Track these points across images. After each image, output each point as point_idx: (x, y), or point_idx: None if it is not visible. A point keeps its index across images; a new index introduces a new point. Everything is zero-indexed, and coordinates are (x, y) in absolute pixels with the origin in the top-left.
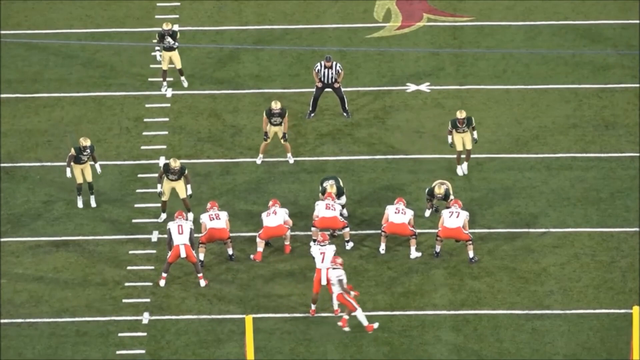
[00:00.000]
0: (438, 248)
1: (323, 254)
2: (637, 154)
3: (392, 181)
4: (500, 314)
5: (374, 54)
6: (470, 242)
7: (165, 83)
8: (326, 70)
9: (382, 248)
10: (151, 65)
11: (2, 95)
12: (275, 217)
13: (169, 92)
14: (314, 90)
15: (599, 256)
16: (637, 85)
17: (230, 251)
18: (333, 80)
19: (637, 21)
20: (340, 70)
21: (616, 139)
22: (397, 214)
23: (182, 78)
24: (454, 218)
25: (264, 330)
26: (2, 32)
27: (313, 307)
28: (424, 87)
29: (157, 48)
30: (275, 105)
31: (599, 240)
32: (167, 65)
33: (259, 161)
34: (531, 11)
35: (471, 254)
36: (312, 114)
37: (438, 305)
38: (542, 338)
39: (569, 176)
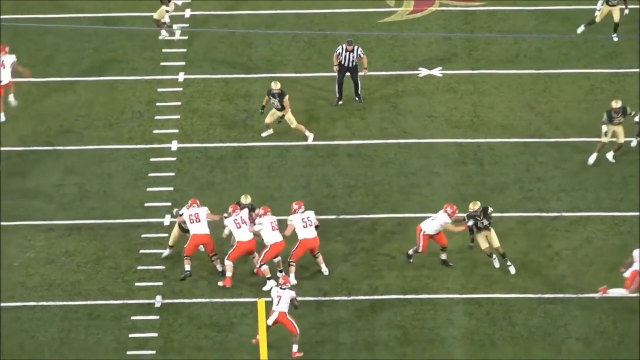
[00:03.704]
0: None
1: (279, 297)
2: None
3: (404, 166)
4: (513, 297)
5: (386, 38)
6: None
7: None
8: (347, 53)
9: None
10: (163, 50)
11: (15, 80)
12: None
13: (181, 76)
14: (325, 74)
15: (611, 240)
16: None
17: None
18: (353, 64)
19: None
20: (362, 55)
21: (628, 124)
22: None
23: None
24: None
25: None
26: (15, 16)
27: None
28: (436, 71)
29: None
30: (275, 86)
31: (611, 224)
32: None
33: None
34: None
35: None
36: (340, 101)
37: (450, 288)
38: (555, 322)
39: (582, 160)
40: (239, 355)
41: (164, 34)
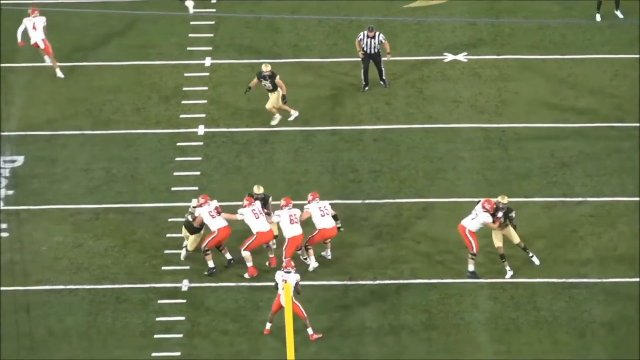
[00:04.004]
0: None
1: (284, 282)
2: None
3: (429, 151)
4: (537, 282)
5: (411, 23)
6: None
7: None
8: (369, 40)
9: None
10: (190, 35)
11: (42, 64)
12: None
13: (208, 61)
14: (351, 59)
15: (636, 225)
16: None
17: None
18: (376, 50)
19: None
20: (383, 40)
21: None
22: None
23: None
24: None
25: (302, 298)
26: (43, 1)
27: (268, 326)
28: (461, 56)
29: None
30: (265, 68)
31: (635, 209)
32: None
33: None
34: None
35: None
36: (367, 87)
37: (475, 273)
38: (579, 306)
39: (606, 146)
40: (265, 339)
41: (190, 6)
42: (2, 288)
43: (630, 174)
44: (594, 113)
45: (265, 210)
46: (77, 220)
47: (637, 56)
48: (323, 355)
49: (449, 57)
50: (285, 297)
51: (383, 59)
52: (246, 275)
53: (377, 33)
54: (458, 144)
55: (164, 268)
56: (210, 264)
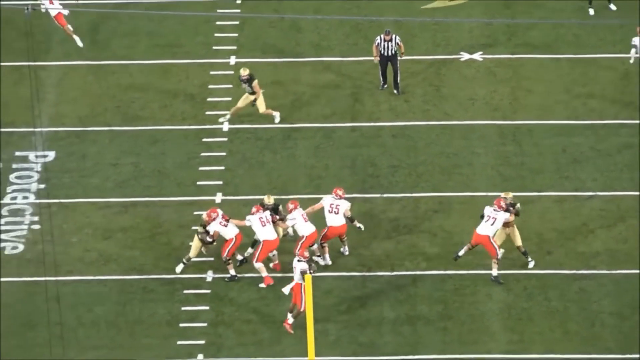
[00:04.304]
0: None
1: (295, 268)
2: None
3: (445, 147)
4: (549, 273)
5: (429, 24)
6: (495, 260)
7: None
8: (386, 43)
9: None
10: (215, 34)
11: (73, 62)
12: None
13: (233, 60)
14: (371, 58)
15: None
16: None
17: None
18: (393, 52)
19: None
20: (399, 43)
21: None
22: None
23: None
24: (489, 224)
25: (322, 289)
26: (73, 1)
27: (289, 316)
28: (477, 56)
29: None
30: (244, 72)
31: None
32: None
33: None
34: None
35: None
36: (385, 85)
37: (489, 265)
38: (589, 297)
39: (616, 142)
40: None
41: None
42: (34, 278)
43: (639, 169)
44: (604, 110)
45: (278, 217)
46: (106, 214)
47: None
48: (342, 343)
49: (465, 56)
50: (307, 290)
51: (400, 57)
52: (262, 285)
53: (393, 35)
54: (473, 140)
55: (191, 243)
56: (232, 272)
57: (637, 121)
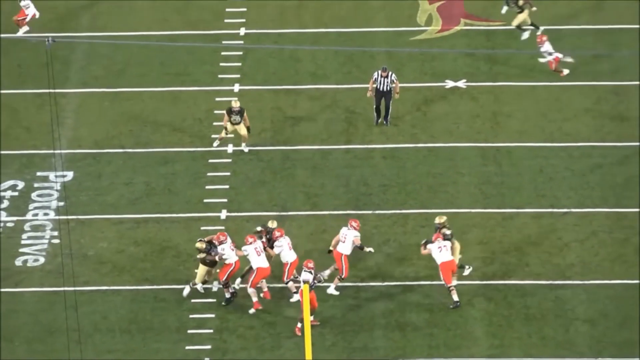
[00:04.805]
0: (456, 296)
1: (303, 282)
2: None
3: (432, 167)
4: (527, 283)
5: (417, 54)
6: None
7: None
8: (382, 79)
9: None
10: (221, 64)
11: (90, 90)
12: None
13: (236, 87)
14: (364, 86)
15: (614, 233)
16: None
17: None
18: (388, 88)
19: None
20: (395, 80)
21: (630, 130)
22: (442, 252)
23: None
24: (445, 252)
25: (319, 298)
26: (91, 33)
27: (300, 325)
28: (461, 83)
29: None
30: (235, 104)
31: (614, 219)
32: None
33: (215, 144)
34: (556, 16)
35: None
36: (379, 120)
37: (472, 276)
38: (564, 305)
39: (589, 163)
40: (287, 333)
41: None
42: (54, 289)
43: (610, 188)
44: (578, 134)
45: (268, 244)
46: (120, 229)
47: (616, 83)
48: (338, 347)
49: (450, 83)
50: (304, 299)
51: (396, 97)
52: (252, 311)
53: (389, 72)
54: (457, 161)
55: (196, 271)
56: (228, 295)
57: (608, 143)
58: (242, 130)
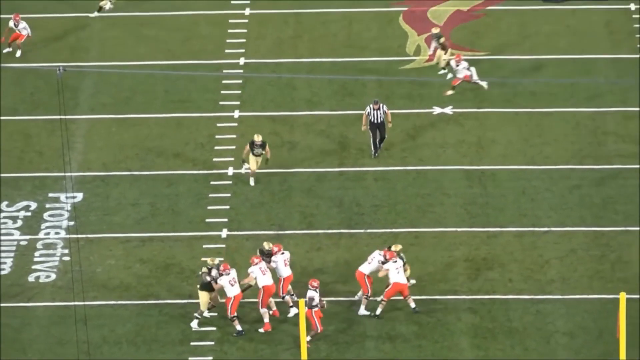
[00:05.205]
0: (379, 310)
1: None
2: (625, 166)
3: (420, 189)
4: (510, 298)
5: (406, 82)
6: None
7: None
8: (375, 111)
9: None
10: (221, 91)
11: (99, 116)
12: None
13: (236, 114)
14: (356, 112)
15: (592, 251)
16: (624, 109)
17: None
18: (381, 119)
19: (626, 55)
20: (387, 110)
21: (607, 154)
22: (399, 273)
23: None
24: (401, 273)
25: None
26: (99, 63)
27: (308, 338)
28: (448, 109)
29: None
30: (257, 138)
31: (592, 237)
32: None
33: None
34: (537, 47)
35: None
36: (376, 154)
37: (459, 291)
38: (545, 319)
39: (568, 184)
40: (285, 346)
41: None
42: (65, 303)
43: (588, 208)
44: (558, 157)
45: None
46: (127, 247)
47: (594, 109)
48: (332, 358)
49: (437, 110)
50: (301, 313)
51: (389, 126)
52: (262, 330)
53: (381, 105)
54: (444, 183)
55: (198, 286)
56: (238, 327)
57: (586, 166)
58: (255, 165)
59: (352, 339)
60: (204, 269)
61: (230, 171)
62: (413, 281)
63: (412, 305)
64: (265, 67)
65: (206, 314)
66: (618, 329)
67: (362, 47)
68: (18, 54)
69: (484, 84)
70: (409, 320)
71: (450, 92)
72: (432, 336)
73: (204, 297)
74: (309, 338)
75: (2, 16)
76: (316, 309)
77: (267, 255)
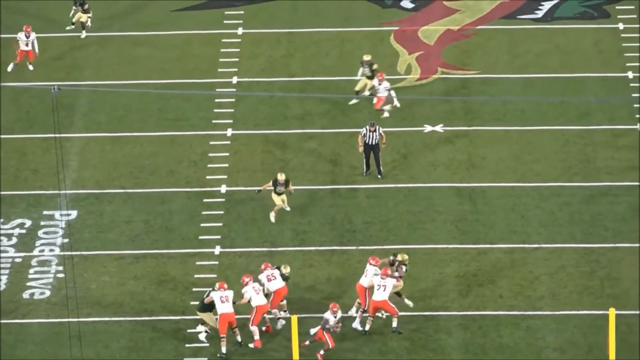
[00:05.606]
0: (367, 326)
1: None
2: (614, 183)
3: (411, 206)
4: (501, 314)
5: (398, 100)
6: (396, 316)
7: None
8: (370, 133)
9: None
10: (214, 110)
11: (93, 134)
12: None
13: (229, 132)
14: (347, 130)
15: (582, 267)
16: (612, 127)
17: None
18: (376, 141)
19: (614, 74)
20: (382, 133)
21: (596, 171)
22: (379, 290)
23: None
24: (382, 291)
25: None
26: (94, 82)
27: (321, 352)
28: (439, 127)
29: (73, 7)
30: (281, 177)
31: (581, 254)
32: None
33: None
34: (527, 66)
35: (395, 324)
36: (368, 172)
37: (449, 307)
38: (535, 334)
39: (558, 201)
40: (277, 355)
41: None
42: (59, 320)
43: (577, 224)
44: (547, 175)
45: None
46: (121, 264)
47: (584, 127)
48: None
49: (428, 128)
50: (293, 329)
51: (382, 146)
52: (252, 345)
53: (377, 127)
54: (435, 200)
55: (192, 303)
56: (224, 349)
57: (575, 184)
58: (280, 202)
59: (345, 354)
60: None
61: (223, 189)
62: (410, 303)
63: (394, 325)
64: (257, 85)
65: (203, 331)
66: (608, 344)
67: (354, 66)
68: (30, 67)
69: (396, 104)
70: (401, 336)
71: (386, 115)
72: (423, 352)
73: (208, 317)
74: (322, 352)
75: (2, 35)
76: (327, 332)
77: (280, 186)
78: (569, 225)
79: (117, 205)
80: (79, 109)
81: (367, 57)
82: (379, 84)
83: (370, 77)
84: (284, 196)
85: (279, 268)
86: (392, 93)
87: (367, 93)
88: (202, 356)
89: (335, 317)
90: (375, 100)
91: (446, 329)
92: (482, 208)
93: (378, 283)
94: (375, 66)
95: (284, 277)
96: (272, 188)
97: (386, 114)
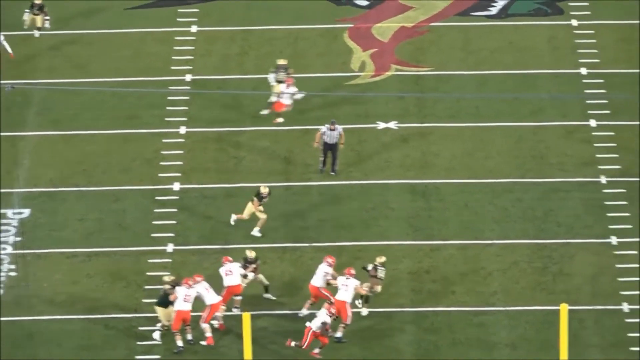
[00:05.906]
0: (339, 333)
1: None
2: (567, 179)
3: (365, 202)
4: (453, 310)
5: (351, 97)
6: (344, 325)
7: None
8: (330, 132)
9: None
10: (167, 108)
11: (47, 133)
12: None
13: (183, 130)
14: (301, 127)
15: (534, 263)
16: (565, 123)
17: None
18: (335, 141)
19: (568, 70)
20: (341, 132)
21: (549, 167)
22: (341, 290)
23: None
24: (343, 291)
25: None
26: (50, 80)
27: (317, 350)
28: (392, 124)
29: (26, 11)
30: (264, 190)
31: (534, 249)
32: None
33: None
34: (481, 63)
35: (340, 333)
36: (324, 168)
37: (403, 304)
38: (488, 330)
39: (511, 197)
40: (229, 357)
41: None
42: (12, 318)
43: (530, 221)
44: (500, 171)
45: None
46: (73, 262)
47: (536, 124)
48: None
49: (381, 125)
50: (245, 327)
51: (340, 147)
52: (204, 343)
53: (337, 126)
54: (389, 196)
55: (144, 300)
56: (180, 343)
57: (528, 180)
58: (262, 215)
59: (298, 351)
60: (167, 286)
61: (176, 186)
62: (364, 312)
63: (338, 334)
64: (211, 83)
65: (159, 332)
66: (559, 339)
67: (308, 63)
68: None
69: (298, 95)
70: (355, 334)
71: (280, 119)
72: (377, 348)
73: (161, 312)
74: (317, 350)
75: None
76: (323, 335)
77: (247, 262)
78: (522, 222)
79: (71, 203)
80: (32, 107)
81: (282, 62)
82: (287, 87)
83: (281, 82)
84: (262, 214)
85: (247, 262)
86: (299, 96)
87: (274, 99)
88: (154, 354)
89: (330, 317)
90: (274, 99)
91: (399, 326)
92: (435, 205)
93: (342, 283)
94: (290, 70)
95: (251, 261)
96: (258, 202)
97: (280, 119)
